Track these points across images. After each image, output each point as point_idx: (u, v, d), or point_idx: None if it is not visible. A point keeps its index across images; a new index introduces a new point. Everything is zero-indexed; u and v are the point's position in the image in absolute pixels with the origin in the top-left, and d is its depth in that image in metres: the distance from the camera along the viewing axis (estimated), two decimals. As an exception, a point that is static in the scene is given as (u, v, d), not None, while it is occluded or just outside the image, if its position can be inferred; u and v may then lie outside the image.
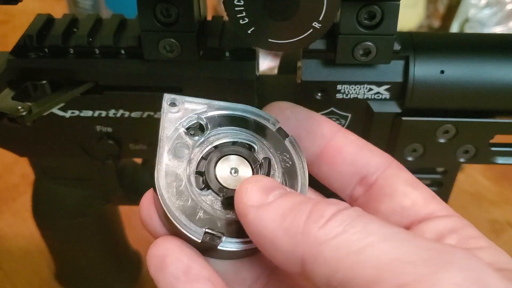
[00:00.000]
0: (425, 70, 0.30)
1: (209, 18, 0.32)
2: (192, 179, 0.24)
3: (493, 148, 0.32)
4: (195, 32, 0.29)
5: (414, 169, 0.35)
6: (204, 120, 0.26)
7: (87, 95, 0.32)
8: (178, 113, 0.26)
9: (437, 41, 0.31)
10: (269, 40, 0.26)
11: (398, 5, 0.27)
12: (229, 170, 0.25)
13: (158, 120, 0.33)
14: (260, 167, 0.25)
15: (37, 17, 0.32)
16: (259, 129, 0.26)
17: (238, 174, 0.25)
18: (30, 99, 0.30)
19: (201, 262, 0.23)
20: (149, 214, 0.24)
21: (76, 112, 0.33)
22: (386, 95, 0.31)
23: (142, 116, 0.33)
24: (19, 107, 0.28)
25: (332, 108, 0.31)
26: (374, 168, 0.26)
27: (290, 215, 0.21)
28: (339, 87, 0.30)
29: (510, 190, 0.61)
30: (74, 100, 0.32)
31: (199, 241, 0.23)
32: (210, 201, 0.24)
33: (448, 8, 0.74)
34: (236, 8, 0.24)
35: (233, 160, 0.25)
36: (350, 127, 0.32)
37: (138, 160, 0.43)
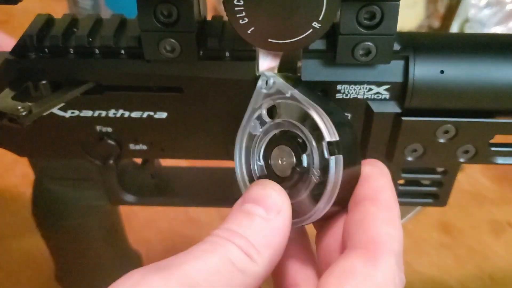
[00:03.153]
0: (425, 70, 0.30)
1: (209, 18, 0.32)
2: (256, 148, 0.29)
3: (493, 148, 0.32)
4: (195, 32, 0.29)
5: (414, 169, 0.35)
6: (280, 107, 0.28)
7: (87, 95, 0.32)
8: (269, 90, 0.28)
9: (437, 41, 0.31)
10: (269, 40, 0.26)
11: (398, 5, 0.27)
12: (281, 157, 0.28)
13: (158, 121, 0.33)
14: (296, 171, 0.27)
15: (37, 17, 0.32)
16: (320, 136, 0.26)
17: (283, 163, 0.28)
18: (30, 99, 0.30)
19: None
20: None
21: (76, 112, 0.33)
22: (386, 95, 0.31)
23: (142, 116, 0.33)
24: (19, 107, 0.28)
25: (332, 108, 0.31)
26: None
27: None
28: (339, 87, 0.30)
29: (510, 190, 0.61)
30: (74, 100, 0.32)
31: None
32: (259, 169, 0.29)
33: (448, 8, 0.74)
34: (236, 8, 0.24)
35: (286, 151, 0.28)
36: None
37: (138, 161, 0.43)
